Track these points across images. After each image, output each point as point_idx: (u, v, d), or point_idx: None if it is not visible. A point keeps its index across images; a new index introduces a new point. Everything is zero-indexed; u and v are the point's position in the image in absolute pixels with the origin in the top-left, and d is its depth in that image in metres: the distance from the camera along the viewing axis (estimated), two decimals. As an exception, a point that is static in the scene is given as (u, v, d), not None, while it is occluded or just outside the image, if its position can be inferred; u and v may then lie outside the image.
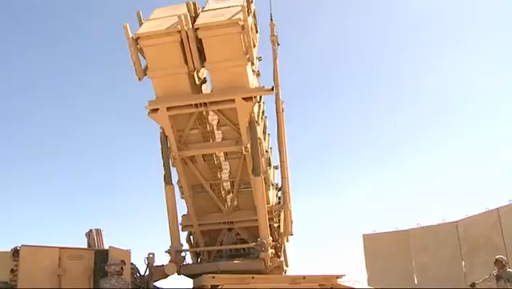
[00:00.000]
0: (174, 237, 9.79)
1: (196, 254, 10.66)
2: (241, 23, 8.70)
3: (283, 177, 10.70)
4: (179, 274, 9.77)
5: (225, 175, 10.54)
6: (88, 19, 28.17)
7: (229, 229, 10.46)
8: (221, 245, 10.36)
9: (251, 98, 9.24)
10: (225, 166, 10.49)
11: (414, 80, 27.51)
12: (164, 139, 9.70)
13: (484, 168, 24.09)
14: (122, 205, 28.84)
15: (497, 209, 14.37)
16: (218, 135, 10.23)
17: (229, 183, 10.59)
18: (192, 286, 9.58)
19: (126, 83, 29.17)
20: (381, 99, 28.62)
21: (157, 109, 9.23)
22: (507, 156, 22.96)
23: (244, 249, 10.28)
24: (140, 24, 9.23)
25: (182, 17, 8.65)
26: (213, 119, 10.16)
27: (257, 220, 10.10)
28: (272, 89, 9.60)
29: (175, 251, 9.67)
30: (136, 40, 8.94)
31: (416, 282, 16.29)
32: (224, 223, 10.46)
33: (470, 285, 10.45)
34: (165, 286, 9.74)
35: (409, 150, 27.96)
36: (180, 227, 10.32)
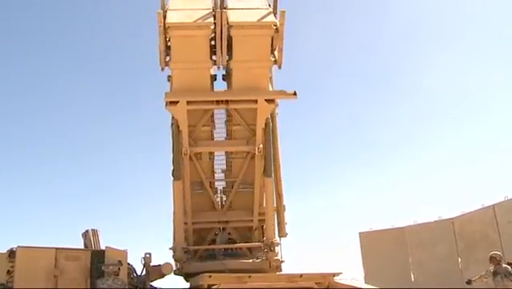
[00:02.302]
0: (179, 234, 9.63)
1: None
2: (274, 27, 8.80)
3: (278, 180, 10.70)
4: (182, 272, 9.67)
5: (219, 174, 10.55)
6: (87, 19, 28.11)
7: (222, 229, 10.45)
8: (213, 244, 10.32)
9: (273, 100, 9.31)
10: (223, 166, 10.48)
11: (409, 78, 27.55)
12: (176, 133, 9.54)
13: (479, 164, 24.13)
14: (118, 205, 28.78)
15: (492, 205, 14.43)
16: (218, 134, 10.21)
17: (223, 182, 10.58)
18: (189, 286, 9.58)
19: (123, 83, 29.20)
20: (376, 98, 28.61)
21: (176, 102, 9.06)
22: (502, 153, 23.04)
23: (233, 249, 10.30)
24: (164, 11, 9.00)
25: (221, 12, 8.61)
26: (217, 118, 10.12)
27: (251, 220, 10.31)
28: (295, 94, 9.35)
29: (181, 248, 9.55)
30: (165, 29, 8.73)
31: (412, 279, 16.37)
32: (219, 222, 10.45)
33: (466, 282, 10.46)
34: (162, 286, 9.73)
35: (405, 147, 28.02)
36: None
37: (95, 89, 27.99)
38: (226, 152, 10.30)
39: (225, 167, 10.54)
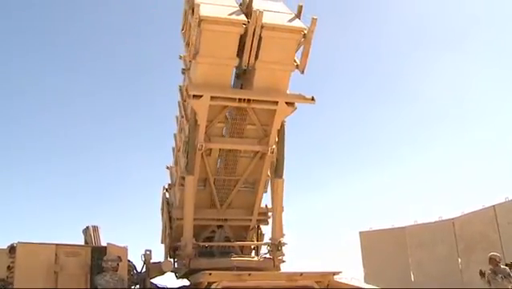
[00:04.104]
0: (188, 229, 9.52)
1: (173, 250, 10.37)
2: (302, 33, 8.95)
3: None
4: (188, 268, 9.54)
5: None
6: (85, 18, 28.12)
7: (219, 227, 10.44)
8: (209, 241, 10.27)
9: (292, 103, 9.43)
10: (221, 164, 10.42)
11: (410, 80, 27.59)
12: (193, 127, 9.46)
13: (480, 165, 24.15)
14: (119, 202, 28.85)
15: (493, 206, 14.43)
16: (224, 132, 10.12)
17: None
18: (189, 283, 9.57)
19: (123, 81, 29.23)
20: (377, 99, 28.70)
21: (199, 96, 9.00)
22: (503, 154, 23.05)
23: (229, 247, 10.30)
24: (191, 4, 8.96)
25: (258, 12, 8.63)
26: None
27: (249, 219, 10.40)
28: (312, 99, 9.48)
29: (191, 244, 9.44)
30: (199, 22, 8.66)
31: (412, 279, 16.36)
32: (217, 220, 10.42)
33: (480, 273, 10.28)
34: (162, 283, 9.73)
35: (406, 148, 28.03)
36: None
37: (95, 88, 28.13)
38: (231, 151, 10.16)
39: (218, 165, 10.36)
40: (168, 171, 11.68)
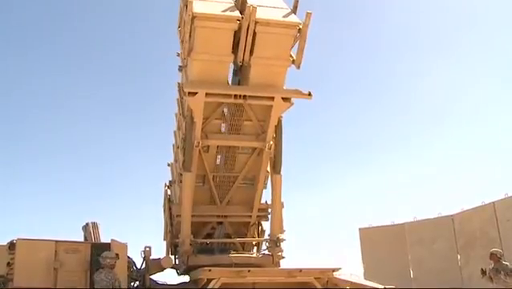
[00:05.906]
0: (186, 226, 9.51)
1: (174, 247, 10.38)
2: (297, 28, 8.93)
3: None
4: (186, 264, 9.57)
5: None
6: (84, 16, 28.09)
7: (219, 223, 10.44)
8: (209, 238, 10.29)
9: (289, 99, 9.43)
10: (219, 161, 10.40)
11: (409, 78, 27.65)
12: (190, 124, 9.45)
13: (480, 162, 24.17)
14: (119, 199, 28.89)
15: (492, 202, 14.44)
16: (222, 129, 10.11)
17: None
18: (188, 279, 9.59)
19: (124, 78, 29.22)
20: (378, 96, 28.73)
21: (194, 93, 8.99)
22: (503, 151, 23.07)
23: (230, 244, 10.33)
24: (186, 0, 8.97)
25: (251, 8, 8.61)
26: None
27: (249, 216, 10.40)
28: (309, 94, 9.47)
29: (189, 240, 9.45)
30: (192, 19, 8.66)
31: (412, 275, 16.38)
32: (217, 216, 10.42)
33: (481, 272, 10.22)
34: (162, 280, 9.73)
35: (406, 145, 28.06)
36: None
37: (95, 85, 28.15)
38: (229, 147, 10.15)
39: (217, 162, 10.35)
40: (169, 168, 11.70)
